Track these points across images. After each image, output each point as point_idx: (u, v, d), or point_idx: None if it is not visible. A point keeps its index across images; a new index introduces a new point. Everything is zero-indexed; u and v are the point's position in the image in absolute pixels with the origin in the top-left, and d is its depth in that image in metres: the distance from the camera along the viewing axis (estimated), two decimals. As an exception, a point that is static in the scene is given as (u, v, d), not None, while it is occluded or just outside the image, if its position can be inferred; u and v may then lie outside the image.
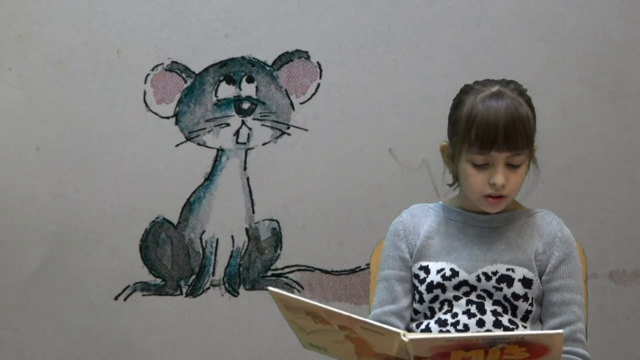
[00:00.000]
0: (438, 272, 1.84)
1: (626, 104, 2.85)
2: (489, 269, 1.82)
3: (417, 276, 1.88)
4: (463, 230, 1.89)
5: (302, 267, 2.88)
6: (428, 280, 1.85)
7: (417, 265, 1.88)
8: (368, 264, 2.66)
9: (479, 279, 1.82)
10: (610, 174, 2.86)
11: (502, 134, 1.78)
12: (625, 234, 2.87)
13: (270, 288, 1.65)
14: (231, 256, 2.88)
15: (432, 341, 1.52)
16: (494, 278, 1.82)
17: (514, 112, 1.79)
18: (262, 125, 2.86)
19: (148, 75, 2.84)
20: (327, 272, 2.88)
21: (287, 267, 2.88)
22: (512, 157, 1.80)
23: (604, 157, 2.86)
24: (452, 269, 1.84)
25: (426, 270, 1.86)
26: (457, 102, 1.86)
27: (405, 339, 1.50)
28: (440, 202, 1.96)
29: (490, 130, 1.78)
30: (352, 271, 2.88)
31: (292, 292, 2.88)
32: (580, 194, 2.86)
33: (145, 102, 2.84)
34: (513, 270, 1.82)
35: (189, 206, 2.86)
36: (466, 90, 1.87)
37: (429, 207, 1.95)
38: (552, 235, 1.87)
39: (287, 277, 2.88)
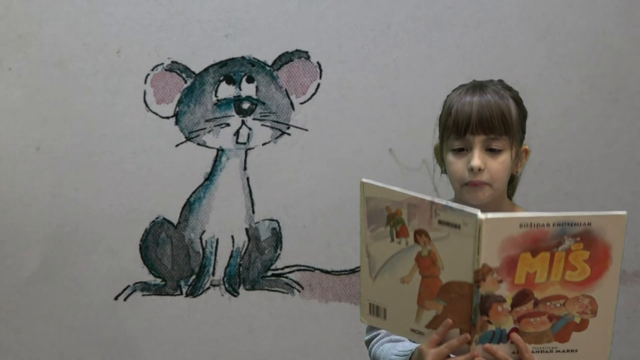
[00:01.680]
0: None
1: (626, 104, 2.85)
2: None
3: None
4: None
5: (302, 267, 2.88)
6: None
7: None
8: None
9: None
10: (610, 174, 2.86)
11: (476, 115, 1.79)
12: (625, 234, 2.87)
13: (363, 179, 1.66)
14: (231, 256, 2.88)
15: (506, 223, 1.54)
16: None
17: (490, 98, 1.81)
18: (262, 125, 2.86)
19: (148, 75, 2.84)
20: (327, 272, 2.88)
21: (287, 267, 2.88)
22: (490, 142, 1.80)
23: (604, 157, 2.86)
24: None
25: None
26: (444, 101, 1.89)
27: (482, 217, 1.53)
28: None
29: (465, 112, 1.80)
30: (352, 271, 2.88)
31: (292, 292, 2.88)
32: (580, 194, 2.86)
33: (145, 102, 2.84)
34: None
35: (189, 206, 2.86)
36: (452, 91, 1.90)
37: None
38: None
39: (287, 277, 2.88)
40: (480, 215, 1.54)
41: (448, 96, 1.88)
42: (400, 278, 1.66)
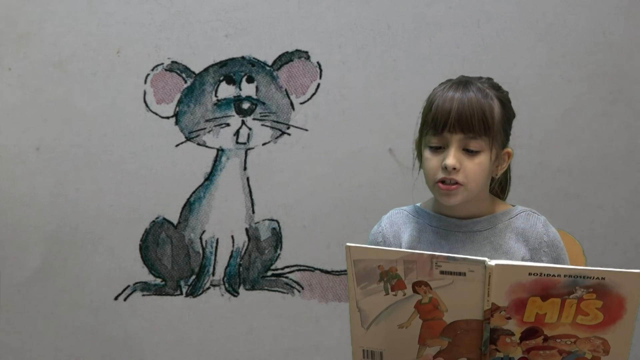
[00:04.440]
0: None
1: (626, 104, 2.85)
2: None
3: None
4: (445, 236, 1.83)
5: (302, 267, 2.88)
6: None
7: None
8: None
9: None
10: (610, 174, 2.86)
11: (455, 113, 1.74)
12: (625, 234, 2.87)
13: (348, 244, 1.57)
14: (231, 256, 2.88)
15: (515, 271, 1.50)
16: None
17: (472, 97, 1.76)
18: (262, 125, 2.86)
19: (148, 75, 2.84)
20: (327, 272, 2.88)
21: (287, 267, 2.88)
22: (468, 142, 1.75)
23: (604, 157, 2.86)
24: None
25: None
26: (429, 95, 1.84)
27: (492, 264, 1.49)
28: (418, 204, 1.91)
29: (444, 109, 1.75)
30: (352, 271, 2.88)
31: (292, 292, 2.88)
32: (580, 194, 2.86)
33: (145, 102, 2.84)
34: None
35: (189, 206, 2.86)
36: (438, 85, 1.85)
37: (407, 212, 1.89)
38: (538, 240, 1.82)
39: (287, 277, 2.88)
40: (490, 262, 1.50)
41: (433, 89, 1.83)
42: (398, 325, 1.60)
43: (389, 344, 1.62)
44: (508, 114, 1.82)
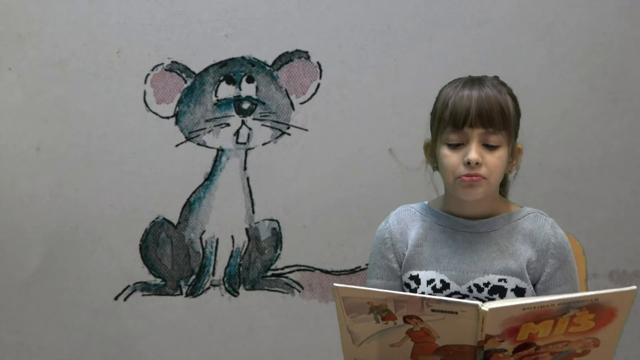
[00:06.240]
0: (428, 283, 1.81)
1: (626, 104, 2.85)
2: (480, 280, 1.79)
3: (407, 285, 1.85)
4: (451, 235, 1.84)
5: (302, 267, 2.88)
6: (419, 291, 1.82)
7: (407, 274, 1.85)
8: (368, 264, 2.65)
9: (470, 290, 1.79)
10: (610, 174, 2.86)
11: (475, 108, 1.75)
12: (625, 234, 2.87)
13: (335, 284, 1.59)
14: (231, 256, 2.88)
15: (509, 310, 1.50)
16: (486, 289, 1.79)
17: (489, 92, 1.77)
18: (262, 125, 2.86)
19: (148, 75, 2.84)
20: (327, 272, 2.88)
21: (287, 267, 2.88)
22: (488, 136, 1.76)
23: (604, 157, 2.86)
24: (442, 281, 1.80)
25: (416, 280, 1.83)
26: (437, 95, 1.85)
27: (486, 309, 1.49)
28: (426, 202, 1.91)
29: (463, 105, 1.76)
30: (352, 271, 2.88)
31: (292, 292, 2.88)
32: (580, 194, 2.86)
33: (145, 102, 2.84)
34: (505, 281, 1.79)
35: (189, 206, 2.86)
36: (446, 85, 1.86)
37: (415, 209, 1.90)
38: (545, 242, 1.83)
39: (287, 277, 2.88)
40: (483, 307, 1.50)
41: (441, 91, 1.84)
42: (390, 344, 1.60)
43: (382, 357, 1.62)
44: (518, 109, 1.84)
